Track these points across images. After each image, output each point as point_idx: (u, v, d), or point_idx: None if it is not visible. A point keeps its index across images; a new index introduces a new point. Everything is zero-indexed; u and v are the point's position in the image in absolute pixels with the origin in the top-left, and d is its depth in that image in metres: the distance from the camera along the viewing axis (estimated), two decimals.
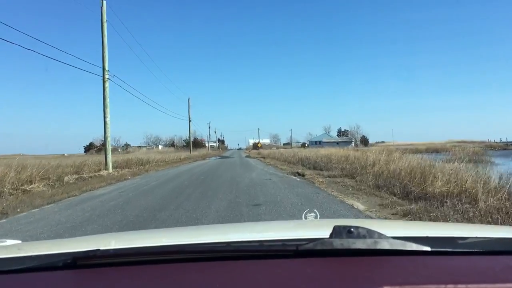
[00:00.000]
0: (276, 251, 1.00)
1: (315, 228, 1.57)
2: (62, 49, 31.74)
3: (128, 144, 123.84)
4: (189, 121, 54.38)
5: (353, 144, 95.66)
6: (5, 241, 1.36)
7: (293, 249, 0.95)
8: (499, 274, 0.85)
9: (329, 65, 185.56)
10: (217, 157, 50.49)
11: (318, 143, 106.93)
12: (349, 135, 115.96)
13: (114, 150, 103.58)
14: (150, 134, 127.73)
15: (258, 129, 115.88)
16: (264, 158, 41.05)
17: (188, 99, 54.97)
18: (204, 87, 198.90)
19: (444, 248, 1.00)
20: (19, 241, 1.42)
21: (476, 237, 1.15)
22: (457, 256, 0.99)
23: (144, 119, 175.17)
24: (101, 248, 1.01)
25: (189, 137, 56.65)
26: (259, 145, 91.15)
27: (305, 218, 1.91)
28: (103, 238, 1.70)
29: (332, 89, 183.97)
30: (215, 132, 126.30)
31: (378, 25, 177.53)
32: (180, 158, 38.26)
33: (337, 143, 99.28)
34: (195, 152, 57.08)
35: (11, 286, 0.91)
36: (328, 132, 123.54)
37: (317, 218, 1.93)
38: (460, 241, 1.10)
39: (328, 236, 0.96)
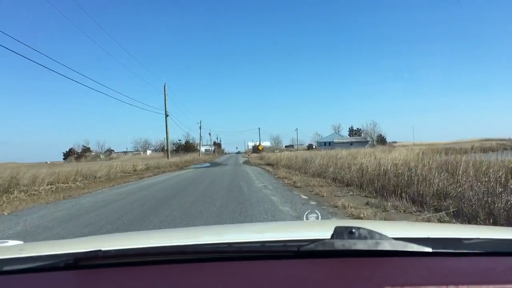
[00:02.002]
0: (278, 252, 0.99)
1: (316, 229, 1.55)
2: None
3: (112, 150, 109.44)
4: (166, 115, 39.61)
5: (368, 144, 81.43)
6: (7, 242, 1.34)
7: (294, 250, 0.95)
8: (500, 275, 0.85)
9: (331, 67, 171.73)
10: (205, 165, 36.13)
11: (328, 144, 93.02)
12: (362, 134, 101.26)
13: (96, 156, 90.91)
14: (140, 138, 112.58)
15: (259, 128, 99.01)
16: (271, 165, 26.43)
17: (164, 86, 40.18)
18: (200, 90, 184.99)
19: (446, 249, 0.99)
20: (21, 242, 1.38)
21: (478, 238, 1.12)
22: (459, 257, 0.98)
23: (135, 124, 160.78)
24: (103, 248, 1.00)
25: (166, 137, 41.65)
26: (260, 147, 76.25)
27: (307, 218, 2.03)
28: (105, 238, 1.71)
29: (336, 87, 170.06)
30: (209, 134, 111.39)
31: (391, 24, 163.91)
32: (135, 170, 23.28)
33: (351, 143, 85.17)
34: (175, 158, 42.23)
35: (13, 287, 0.91)
36: (338, 132, 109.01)
37: (318, 219, 2.05)
38: (461, 242, 1.08)
39: (329, 237, 0.95)
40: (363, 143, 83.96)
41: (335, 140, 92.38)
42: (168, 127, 39.92)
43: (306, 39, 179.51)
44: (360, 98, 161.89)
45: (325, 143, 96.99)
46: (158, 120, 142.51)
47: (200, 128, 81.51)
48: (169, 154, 42.03)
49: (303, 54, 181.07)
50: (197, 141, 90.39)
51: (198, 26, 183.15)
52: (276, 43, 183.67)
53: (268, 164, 30.32)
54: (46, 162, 71.36)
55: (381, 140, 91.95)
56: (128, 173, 21.71)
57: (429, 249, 0.94)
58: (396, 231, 1.19)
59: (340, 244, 0.91)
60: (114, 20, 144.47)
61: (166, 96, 39.77)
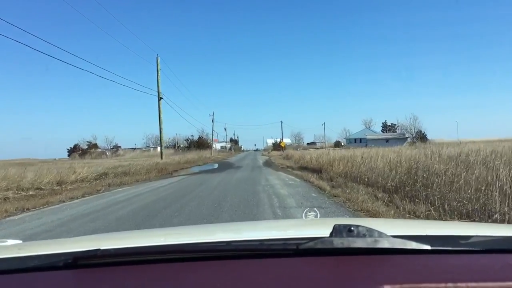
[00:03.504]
0: (277, 250, 0.99)
1: (315, 227, 1.56)
2: None
3: (119, 146, 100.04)
4: (159, 98, 28.84)
5: (407, 141, 69.13)
6: (6, 241, 1.33)
7: (293, 248, 0.95)
8: (499, 272, 0.85)
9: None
10: (210, 167, 25.87)
11: (359, 141, 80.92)
12: (398, 130, 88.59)
13: (102, 153, 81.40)
14: (151, 134, 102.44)
15: (281, 122, 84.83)
16: (311, 172, 15.53)
17: (157, 59, 29.37)
18: (218, 85, 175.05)
19: (444, 247, 0.99)
20: (20, 241, 1.38)
21: (476, 236, 1.12)
22: (457, 254, 0.98)
23: (148, 120, 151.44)
24: (102, 247, 1.00)
25: (160, 127, 30.70)
26: (282, 144, 65.09)
27: (306, 217, 1.95)
28: (104, 237, 1.69)
29: (366, 82, 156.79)
30: (225, 129, 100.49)
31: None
32: (60, 183, 12.21)
33: (387, 140, 72.53)
34: (174, 157, 31.51)
35: (11, 286, 0.91)
36: (369, 127, 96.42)
37: (317, 217, 1.98)
38: (460, 240, 1.08)
39: (328, 235, 0.95)
40: (401, 139, 71.73)
41: (368, 137, 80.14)
42: (162, 113, 29.06)
43: (326, 34, 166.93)
44: (392, 94, 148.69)
45: (355, 139, 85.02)
46: (170, 113, 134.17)
47: (212, 121, 70.13)
48: (163, 152, 31.05)
49: (321, 49, 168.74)
50: (215, 138, 79.33)
51: (216, 20, 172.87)
52: (287, 39, 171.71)
53: (304, 168, 19.21)
54: (55, 159, 63.26)
55: (421, 137, 79.18)
56: (39, 189, 10.87)
57: (428, 247, 0.94)
58: (394, 229, 1.20)
59: (339, 242, 0.91)
60: (120, 12, 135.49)
61: (159, 72, 28.92)
